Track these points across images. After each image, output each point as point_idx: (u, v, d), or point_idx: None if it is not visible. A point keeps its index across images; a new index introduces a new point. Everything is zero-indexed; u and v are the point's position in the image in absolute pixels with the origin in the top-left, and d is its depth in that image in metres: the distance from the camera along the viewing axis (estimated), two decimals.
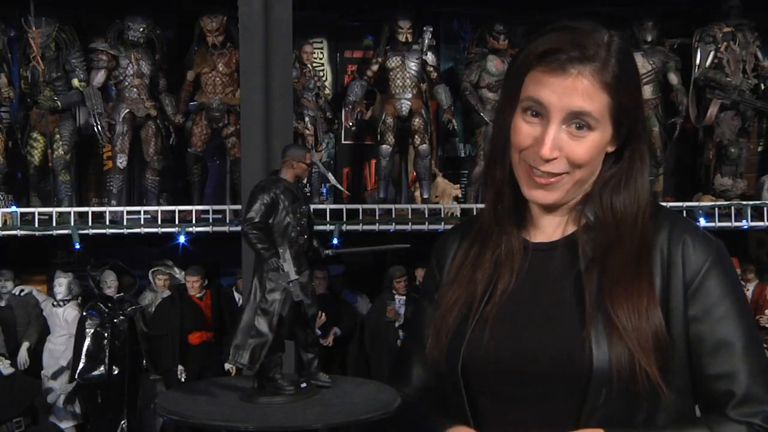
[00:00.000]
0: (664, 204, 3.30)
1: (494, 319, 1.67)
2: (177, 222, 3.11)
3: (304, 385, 2.44)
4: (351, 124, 3.48)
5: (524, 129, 1.65)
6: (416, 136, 3.38)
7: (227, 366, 3.39)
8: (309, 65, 3.36)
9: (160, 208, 3.16)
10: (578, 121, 1.62)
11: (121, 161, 3.28)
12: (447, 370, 1.69)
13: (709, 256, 1.63)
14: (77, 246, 3.03)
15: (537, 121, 1.63)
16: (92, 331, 3.24)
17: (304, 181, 3.25)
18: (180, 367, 3.36)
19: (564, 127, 1.62)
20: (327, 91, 3.48)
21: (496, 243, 1.72)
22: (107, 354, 3.23)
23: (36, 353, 3.41)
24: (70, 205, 3.22)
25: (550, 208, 1.72)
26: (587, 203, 1.69)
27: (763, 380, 1.61)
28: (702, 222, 3.27)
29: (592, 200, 1.68)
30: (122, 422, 3.28)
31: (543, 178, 1.63)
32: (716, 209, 3.33)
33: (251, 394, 2.44)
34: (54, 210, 3.11)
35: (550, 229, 1.72)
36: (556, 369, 1.59)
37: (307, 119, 3.31)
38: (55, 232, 3.08)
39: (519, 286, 1.69)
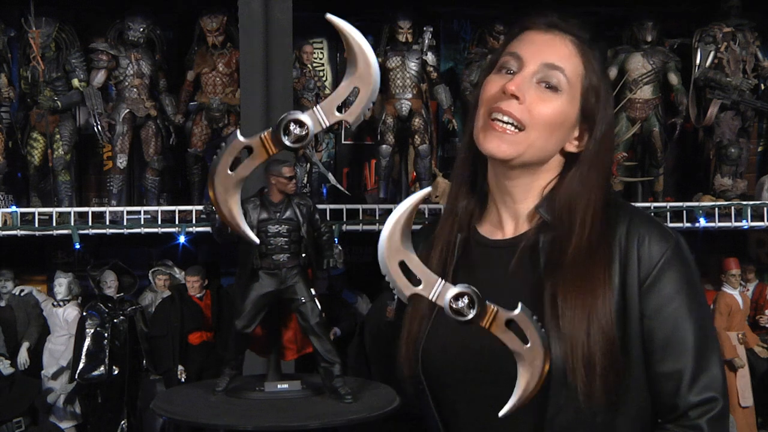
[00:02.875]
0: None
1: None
2: (177, 222, 3.11)
3: (283, 386, 2.47)
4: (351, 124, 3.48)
5: (495, 81, 1.66)
6: (416, 136, 3.38)
7: None
8: (309, 65, 3.36)
9: (160, 208, 3.16)
10: (549, 78, 1.62)
11: (121, 161, 3.28)
12: (410, 372, 1.69)
13: (665, 252, 1.61)
14: (77, 246, 3.03)
15: (509, 77, 1.64)
16: (92, 331, 3.24)
17: (305, 181, 3.28)
18: (180, 367, 3.36)
19: (535, 81, 1.62)
20: (327, 91, 3.48)
21: (453, 241, 1.72)
22: (107, 354, 3.23)
23: (36, 353, 3.41)
24: (70, 205, 3.22)
25: (511, 206, 1.70)
26: (545, 206, 1.68)
27: (708, 381, 1.59)
28: (702, 222, 3.27)
29: (551, 205, 1.68)
30: (122, 422, 3.28)
31: (500, 126, 1.61)
32: (716, 209, 3.33)
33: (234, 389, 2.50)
34: (54, 210, 3.11)
35: (509, 228, 1.71)
36: (513, 368, 1.58)
37: None
38: (55, 232, 3.08)
39: (477, 284, 1.68)
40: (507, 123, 1.61)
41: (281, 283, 2.47)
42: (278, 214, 2.47)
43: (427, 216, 3.22)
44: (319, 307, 2.45)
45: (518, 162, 1.65)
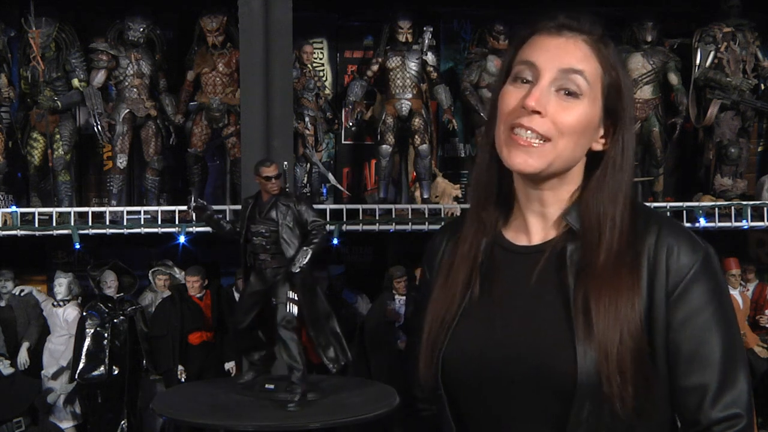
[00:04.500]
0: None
1: (475, 324, 1.65)
2: (177, 222, 3.11)
3: (270, 386, 2.47)
4: (351, 124, 3.48)
5: (512, 93, 1.62)
6: (416, 136, 3.38)
7: (227, 366, 3.39)
8: (309, 65, 3.36)
9: (160, 208, 3.15)
10: (568, 84, 1.59)
11: (121, 161, 3.28)
12: (430, 378, 1.67)
13: (694, 264, 1.58)
14: (77, 246, 3.03)
15: (526, 86, 1.61)
16: (92, 331, 3.24)
17: (305, 181, 3.28)
18: (180, 367, 3.36)
19: (554, 90, 1.59)
20: (327, 91, 3.48)
21: (479, 246, 1.70)
22: (107, 354, 3.23)
23: (36, 353, 3.41)
24: (70, 205, 3.22)
25: (538, 210, 1.69)
26: (573, 214, 1.66)
27: (732, 398, 1.59)
28: (702, 222, 3.27)
29: (578, 206, 1.66)
30: (122, 422, 3.28)
31: (524, 139, 1.59)
32: (716, 209, 3.33)
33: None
34: (54, 210, 3.11)
35: (535, 233, 1.69)
36: (538, 376, 1.56)
37: (307, 119, 3.31)
38: (55, 232, 3.08)
39: (501, 290, 1.66)
40: (531, 137, 1.59)
41: (266, 283, 2.47)
42: (261, 215, 2.47)
43: (427, 216, 3.23)
44: (290, 311, 2.44)
45: (547, 173, 1.63)
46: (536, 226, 1.69)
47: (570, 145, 1.61)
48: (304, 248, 2.42)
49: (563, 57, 1.60)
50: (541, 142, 1.59)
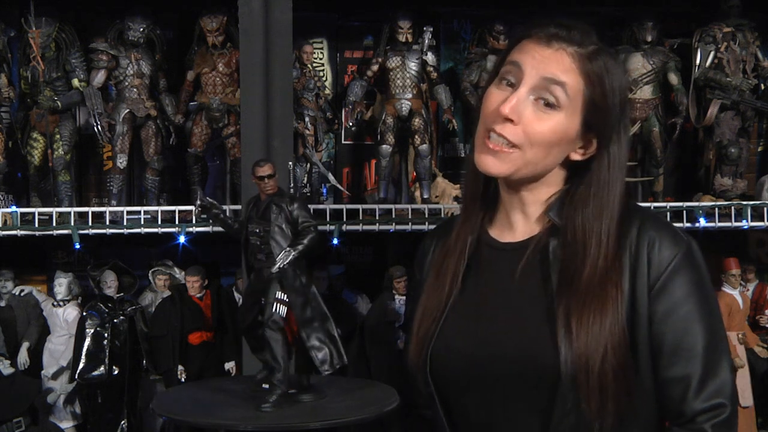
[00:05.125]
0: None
1: (460, 321, 1.66)
2: (177, 222, 3.11)
3: (266, 386, 2.47)
4: (351, 124, 3.48)
5: (494, 95, 1.64)
6: (416, 136, 3.38)
7: (227, 366, 3.39)
8: (309, 65, 3.36)
9: (160, 208, 3.16)
10: (547, 95, 1.60)
11: (121, 161, 3.28)
12: (420, 374, 1.69)
13: (675, 256, 1.59)
14: (77, 246, 3.03)
15: (508, 90, 1.63)
16: (92, 331, 3.24)
17: (305, 181, 3.28)
18: (180, 367, 3.36)
19: (532, 98, 1.60)
20: (327, 91, 3.48)
21: (465, 242, 1.72)
22: (107, 354, 3.24)
23: (36, 353, 3.41)
24: (70, 205, 3.22)
25: (520, 208, 1.70)
26: (555, 209, 1.67)
27: (716, 388, 1.59)
28: (702, 222, 3.27)
29: (561, 209, 1.66)
30: (122, 422, 3.29)
31: (495, 144, 1.61)
32: (716, 209, 3.33)
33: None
34: (54, 210, 3.11)
35: (519, 230, 1.71)
36: (523, 373, 1.58)
37: (307, 119, 3.31)
38: (55, 232, 3.08)
39: (486, 287, 1.67)
40: (501, 143, 1.61)
41: (263, 283, 2.47)
42: (258, 215, 2.47)
43: (427, 216, 3.23)
44: (277, 311, 2.44)
45: (516, 177, 1.64)
46: (519, 223, 1.70)
47: (540, 154, 1.62)
48: (287, 249, 2.41)
49: (548, 66, 1.61)
50: (511, 148, 1.60)
